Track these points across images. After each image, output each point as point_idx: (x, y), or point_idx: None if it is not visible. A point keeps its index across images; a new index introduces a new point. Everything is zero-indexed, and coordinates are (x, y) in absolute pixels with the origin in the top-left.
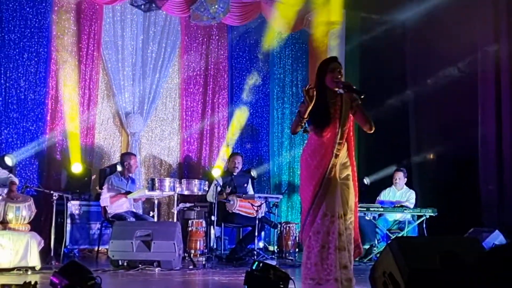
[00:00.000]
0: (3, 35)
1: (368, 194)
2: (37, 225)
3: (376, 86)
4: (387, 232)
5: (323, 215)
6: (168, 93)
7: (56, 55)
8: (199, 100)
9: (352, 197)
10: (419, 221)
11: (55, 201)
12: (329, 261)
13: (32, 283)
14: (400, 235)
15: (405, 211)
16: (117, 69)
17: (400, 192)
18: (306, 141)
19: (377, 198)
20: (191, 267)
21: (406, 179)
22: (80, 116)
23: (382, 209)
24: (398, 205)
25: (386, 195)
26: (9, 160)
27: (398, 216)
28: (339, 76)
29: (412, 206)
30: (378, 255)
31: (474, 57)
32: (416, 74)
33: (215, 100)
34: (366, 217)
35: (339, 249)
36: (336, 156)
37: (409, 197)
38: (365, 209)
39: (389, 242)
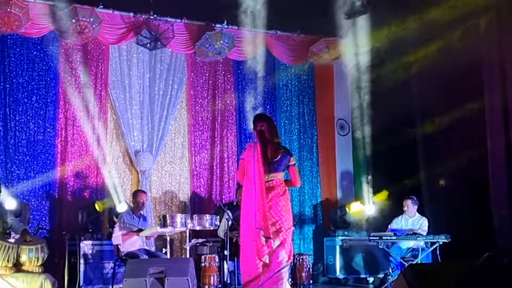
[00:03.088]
0: (11, 79)
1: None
2: (51, 266)
3: (384, 113)
4: (401, 260)
5: None
6: (176, 130)
7: (64, 96)
8: (207, 135)
9: None
10: (432, 247)
11: (67, 242)
12: None
13: None
14: (414, 262)
15: (418, 238)
16: (125, 108)
17: (413, 219)
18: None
19: (389, 226)
20: None
21: (416, 206)
22: (90, 155)
23: (395, 237)
24: (411, 233)
25: (398, 223)
26: (12, 204)
27: (411, 243)
28: None
29: (425, 233)
30: (392, 283)
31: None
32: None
33: (223, 135)
34: (380, 246)
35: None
36: None
37: (421, 224)
38: (377, 238)
39: (403, 270)
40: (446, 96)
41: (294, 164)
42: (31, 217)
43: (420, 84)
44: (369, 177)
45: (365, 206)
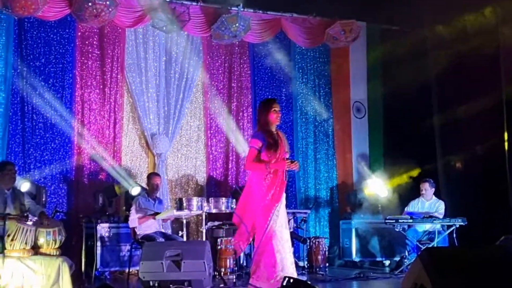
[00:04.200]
0: (28, 62)
1: (396, 206)
2: (68, 249)
3: (400, 97)
4: (417, 243)
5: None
6: (192, 113)
7: (80, 79)
8: (223, 119)
9: None
10: (449, 231)
11: (84, 225)
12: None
13: None
14: (430, 245)
15: (434, 221)
16: (141, 91)
17: (429, 202)
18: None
19: (405, 209)
20: (221, 285)
21: (433, 189)
22: (106, 139)
23: (411, 220)
24: (427, 216)
25: (415, 206)
26: (27, 186)
27: (427, 226)
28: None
29: (441, 216)
30: (408, 266)
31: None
32: (441, 83)
33: (239, 118)
34: (396, 229)
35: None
36: (286, 179)
37: (438, 207)
38: (394, 221)
39: (419, 253)
40: (465, 81)
41: None
42: (48, 200)
43: (439, 68)
44: (386, 160)
45: (381, 189)
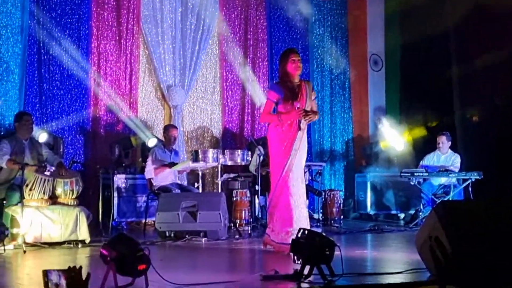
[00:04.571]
0: (45, 13)
1: (411, 160)
2: (85, 199)
3: (417, 49)
4: (432, 196)
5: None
6: (208, 65)
7: (96, 31)
8: (239, 70)
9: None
10: (464, 184)
11: (101, 175)
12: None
13: (77, 267)
14: (445, 199)
15: (450, 175)
16: (157, 43)
17: (445, 156)
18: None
19: (421, 162)
20: (237, 236)
21: (450, 142)
22: (123, 90)
23: (426, 174)
24: (443, 169)
25: (430, 159)
26: (44, 137)
27: (443, 180)
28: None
29: (457, 170)
30: (423, 220)
31: None
32: (460, 33)
33: (255, 70)
34: (411, 182)
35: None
36: (301, 129)
37: (453, 161)
38: (409, 174)
39: (434, 206)
40: (484, 30)
41: None
42: (65, 150)
43: (457, 17)
44: (402, 113)
45: (397, 143)
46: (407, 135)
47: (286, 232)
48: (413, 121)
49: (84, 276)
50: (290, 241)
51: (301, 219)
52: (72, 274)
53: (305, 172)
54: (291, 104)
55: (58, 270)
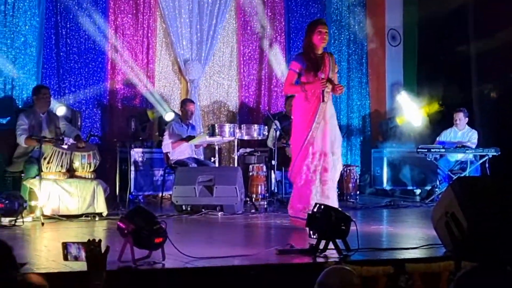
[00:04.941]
0: None
1: (428, 135)
2: (103, 173)
3: (435, 24)
4: (449, 172)
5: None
6: (225, 39)
7: (113, 4)
8: (256, 45)
9: (339, 137)
10: (481, 161)
11: (118, 149)
12: (309, 194)
13: (96, 240)
14: (462, 175)
15: (467, 151)
16: (174, 16)
17: (462, 132)
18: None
19: (437, 138)
20: (253, 211)
21: (467, 119)
22: (140, 64)
23: (443, 150)
24: (460, 146)
25: (447, 135)
26: (62, 110)
27: (459, 156)
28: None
29: (474, 146)
30: (439, 196)
31: None
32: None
33: (272, 44)
34: (428, 158)
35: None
36: (324, 101)
37: (471, 137)
38: (426, 150)
39: (451, 182)
40: (503, 5)
41: None
42: (83, 124)
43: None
44: (419, 88)
45: (414, 118)
46: (424, 110)
47: (302, 209)
48: (431, 97)
49: (103, 249)
50: (305, 216)
51: (321, 194)
52: (91, 247)
53: None
54: (314, 75)
55: (77, 243)
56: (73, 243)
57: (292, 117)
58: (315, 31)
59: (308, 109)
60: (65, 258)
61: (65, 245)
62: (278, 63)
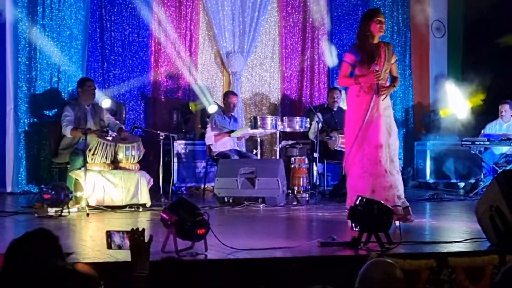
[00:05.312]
0: None
1: (472, 128)
2: (146, 164)
3: (481, 15)
4: (494, 166)
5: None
6: (267, 32)
7: None
8: (298, 38)
9: (395, 129)
10: None
11: (162, 141)
12: (363, 187)
13: (140, 229)
14: (507, 168)
15: None
16: (217, 9)
17: (507, 124)
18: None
19: (482, 131)
20: (295, 203)
21: None
22: (183, 56)
23: (488, 143)
24: (505, 138)
25: (492, 128)
26: (108, 103)
27: (505, 149)
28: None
29: None
30: (484, 189)
31: None
32: None
33: (314, 37)
34: (472, 151)
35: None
36: (379, 94)
37: None
38: (470, 143)
39: (496, 175)
40: None
41: None
42: (127, 116)
43: None
44: (464, 80)
45: (458, 111)
46: (469, 103)
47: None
48: (475, 89)
49: (146, 239)
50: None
51: (376, 188)
52: (135, 236)
53: None
54: (368, 67)
55: (121, 232)
56: (117, 231)
57: (345, 108)
58: (374, 19)
59: (362, 102)
60: (109, 246)
61: (109, 234)
62: (321, 55)
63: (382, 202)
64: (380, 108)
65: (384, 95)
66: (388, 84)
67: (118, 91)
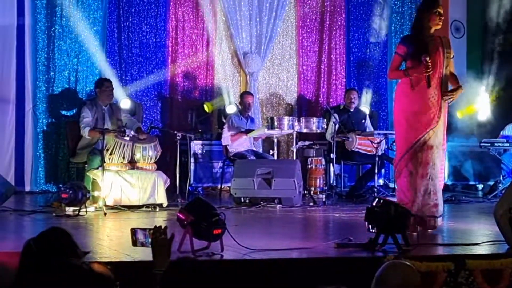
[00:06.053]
0: None
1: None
2: (163, 164)
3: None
4: None
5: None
6: (284, 32)
7: None
8: (315, 38)
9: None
10: None
11: (179, 141)
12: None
13: (163, 227)
14: None
15: None
16: (234, 9)
17: None
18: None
19: (501, 132)
20: (311, 204)
21: None
22: (200, 57)
23: (507, 144)
24: None
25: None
26: (127, 103)
27: None
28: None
29: None
30: (503, 191)
31: None
32: None
33: (332, 37)
34: (491, 153)
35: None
36: (430, 86)
37: None
38: (489, 144)
39: None
40: None
41: None
42: (144, 116)
43: None
44: (483, 81)
45: (478, 112)
46: (488, 103)
47: (407, 202)
48: (495, 90)
49: (168, 236)
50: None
51: (428, 191)
52: (157, 233)
53: (380, 141)
54: (418, 62)
55: (144, 229)
56: (141, 229)
57: (393, 104)
58: (433, 11)
59: (416, 100)
60: (134, 243)
61: (134, 231)
62: (338, 56)
63: (398, 203)
64: (444, 111)
65: (451, 100)
66: (447, 85)
67: (136, 91)
